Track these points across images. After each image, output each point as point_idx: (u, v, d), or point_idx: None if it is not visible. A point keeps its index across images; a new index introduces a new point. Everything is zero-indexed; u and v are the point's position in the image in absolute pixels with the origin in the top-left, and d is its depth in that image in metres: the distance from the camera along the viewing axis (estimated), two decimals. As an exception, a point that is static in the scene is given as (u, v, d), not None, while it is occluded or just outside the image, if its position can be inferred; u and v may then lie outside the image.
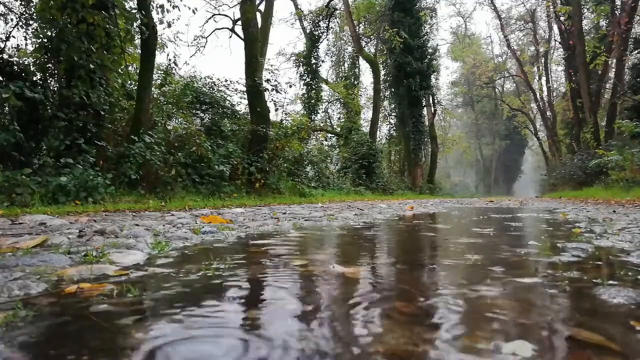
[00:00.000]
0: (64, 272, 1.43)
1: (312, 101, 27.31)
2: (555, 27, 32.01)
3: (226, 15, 30.96)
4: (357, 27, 27.12)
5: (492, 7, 35.57)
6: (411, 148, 27.26)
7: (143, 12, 9.02)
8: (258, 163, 11.65)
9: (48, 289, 1.24)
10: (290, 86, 19.28)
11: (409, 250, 2.30)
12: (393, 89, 28.16)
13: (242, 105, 14.96)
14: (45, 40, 7.89)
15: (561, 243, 2.29)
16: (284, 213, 5.56)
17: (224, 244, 2.39)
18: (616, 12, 21.93)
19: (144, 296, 1.17)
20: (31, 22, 8.63)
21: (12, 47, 8.69)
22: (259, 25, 14.93)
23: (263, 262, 1.76)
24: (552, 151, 34.13)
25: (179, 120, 12.00)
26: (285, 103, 20.87)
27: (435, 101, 31.72)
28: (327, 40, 30.65)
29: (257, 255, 1.94)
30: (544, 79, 36.37)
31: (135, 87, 10.26)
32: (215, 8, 24.09)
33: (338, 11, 28.42)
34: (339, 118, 30.18)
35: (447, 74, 59.90)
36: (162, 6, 9.42)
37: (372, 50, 29.57)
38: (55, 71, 7.99)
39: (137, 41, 10.39)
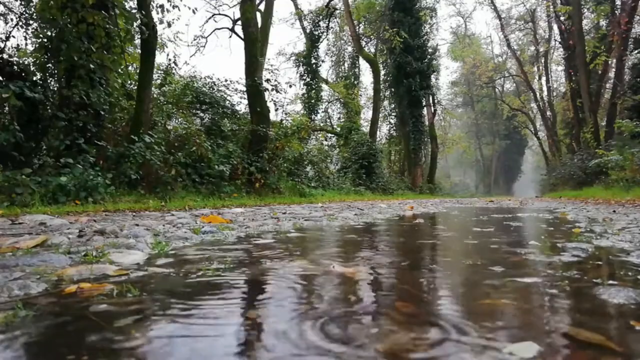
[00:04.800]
0: (64, 272, 1.43)
1: (312, 101, 27.30)
2: (555, 27, 32.05)
3: (226, 15, 30.89)
4: (357, 27, 27.12)
5: (492, 7, 35.64)
6: (411, 148, 27.25)
7: (143, 12, 9.02)
8: (258, 163, 11.65)
9: (48, 289, 1.24)
10: (290, 86, 19.26)
11: (409, 250, 2.30)
12: (393, 89, 28.17)
13: (242, 105, 14.98)
14: (45, 40, 7.89)
15: (561, 243, 2.29)
16: (284, 213, 5.56)
17: (224, 244, 2.38)
18: (616, 12, 21.93)
19: (144, 296, 1.17)
20: (31, 22, 8.63)
21: (12, 47, 8.70)
22: (259, 25, 14.92)
23: (263, 262, 1.76)
24: (552, 151, 34.14)
25: (179, 120, 12.00)
26: (285, 103, 20.87)
27: (435, 101, 31.71)
28: (327, 40, 30.71)
29: (257, 255, 1.94)
30: (544, 79, 36.42)
31: (135, 87, 10.26)
32: (215, 8, 24.03)
33: (338, 11, 28.41)
34: (339, 118, 30.18)
35: (447, 74, 59.86)
36: (162, 6, 9.42)
37: (372, 50, 29.57)
38: (55, 71, 7.99)
39: (137, 41, 10.39)
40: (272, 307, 1.08)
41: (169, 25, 9.90)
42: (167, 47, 15.01)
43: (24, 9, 8.65)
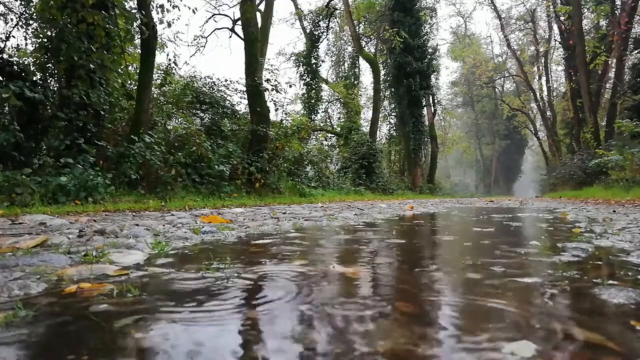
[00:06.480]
0: (64, 272, 1.43)
1: (312, 101, 27.32)
2: (555, 27, 32.08)
3: (226, 15, 30.95)
4: (357, 27, 27.13)
5: (492, 7, 35.67)
6: (411, 148, 27.26)
7: (143, 12, 9.02)
8: (258, 163, 11.65)
9: (48, 288, 1.24)
10: (290, 86, 19.28)
11: (409, 250, 2.31)
12: (393, 89, 28.18)
13: (242, 105, 14.98)
14: (45, 40, 7.89)
15: (561, 243, 2.29)
16: (284, 213, 5.56)
17: (224, 244, 2.39)
18: (616, 12, 21.94)
19: (144, 296, 1.17)
20: (31, 22, 8.63)
21: (12, 47, 8.71)
22: (259, 25, 14.94)
23: (263, 262, 1.76)
24: (552, 151, 34.15)
25: (179, 120, 12.01)
26: (285, 103, 20.88)
27: (435, 101, 31.72)
28: (327, 40, 30.72)
29: (257, 255, 1.94)
30: (544, 79, 36.43)
31: (135, 87, 10.26)
32: (215, 8, 24.05)
33: (338, 11, 28.42)
34: (339, 118, 30.20)
35: (447, 74, 59.93)
36: (162, 6, 9.42)
37: (372, 50, 29.58)
38: (55, 71, 7.99)
39: (137, 41, 10.40)
40: (273, 307, 1.08)
41: (169, 25, 9.90)
42: (167, 47, 15.04)
43: (24, 9, 8.65)
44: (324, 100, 29.70)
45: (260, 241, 2.48)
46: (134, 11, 9.09)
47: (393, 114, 30.12)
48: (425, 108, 29.42)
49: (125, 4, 8.97)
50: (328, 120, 30.70)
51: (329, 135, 27.22)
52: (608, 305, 1.08)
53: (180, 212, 5.69)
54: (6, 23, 8.74)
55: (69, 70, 7.64)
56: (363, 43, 28.34)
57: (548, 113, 35.09)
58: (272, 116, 14.17)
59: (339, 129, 27.19)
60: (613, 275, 1.47)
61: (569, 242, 2.28)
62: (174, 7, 9.68)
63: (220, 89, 14.27)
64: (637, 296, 1.12)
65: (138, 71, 10.45)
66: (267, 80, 13.72)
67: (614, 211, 5.75)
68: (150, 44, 9.65)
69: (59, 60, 7.61)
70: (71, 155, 7.11)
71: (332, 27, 29.81)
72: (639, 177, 12.30)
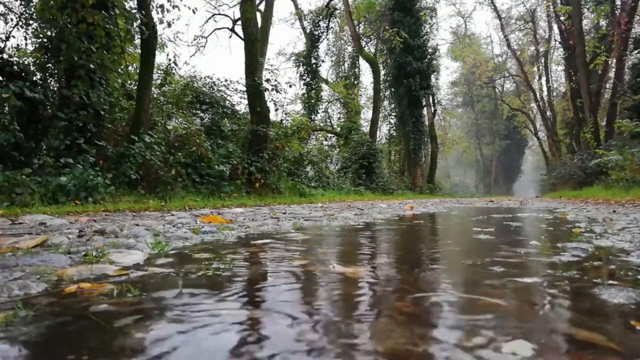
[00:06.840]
0: (64, 272, 1.43)
1: (312, 101, 27.32)
2: (555, 27, 32.08)
3: (226, 15, 30.97)
4: (357, 27, 27.13)
5: (492, 7, 35.68)
6: (411, 148, 27.26)
7: (143, 12, 9.03)
8: (258, 163, 11.65)
9: (48, 288, 1.24)
10: (290, 86, 19.29)
11: (409, 250, 2.30)
12: (393, 89, 28.17)
13: (242, 105, 14.98)
14: (45, 40, 7.89)
15: (561, 243, 2.29)
16: (284, 213, 5.56)
17: (224, 244, 2.38)
18: (616, 12, 21.94)
19: (144, 296, 1.17)
20: (31, 22, 8.63)
21: (12, 47, 8.71)
22: (259, 25, 14.94)
23: (263, 262, 1.76)
24: (552, 151, 34.15)
25: (179, 120, 12.00)
26: (285, 103, 20.87)
27: (435, 101, 31.72)
28: (327, 40, 30.73)
29: (257, 255, 1.94)
30: (544, 79, 36.43)
31: (135, 87, 10.26)
32: (215, 8, 24.04)
33: (338, 11, 28.42)
34: (339, 118, 30.20)
35: (447, 74, 59.93)
36: (162, 6, 9.42)
37: (372, 50, 29.58)
38: (55, 71, 7.99)
39: (137, 41, 10.40)
40: (273, 307, 1.08)
41: (169, 25, 9.90)
42: (167, 47, 15.04)
43: (24, 9, 8.65)
44: (324, 100, 29.73)
45: (261, 241, 2.48)
46: (134, 11, 9.09)
47: (393, 114, 30.12)
48: (425, 108, 29.43)
49: (125, 4, 8.97)
50: (328, 120, 30.71)
51: (329, 135, 27.22)
52: (608, 305, 1.08)
53: (180, 212, 5.69)
54: (6, 23, 8.74)
55: (69, 70, 7.64)
56: (363, 43, 28.33)
57: (548, 113, 35.09)
58: (272, 116, 14.18)
59: (339, 129, 27.19)
60: (613, 275, 1.47)
61: (569, 242, 2.28)
62: (174, 7, 9.68)
63: (220, 89, 14.27)
64: (637, 296, 1.12)
65: (138, 71, 10.45)
66: (267, 80, 13.72)
67: (614, 211, 5.75)
68: (150, 44, 9.65)
69: (59, 60, 7.61)
70: (71, 155, 7.11)
71: (332, 27, 29.84)
72: (639, 177, 12.29)
